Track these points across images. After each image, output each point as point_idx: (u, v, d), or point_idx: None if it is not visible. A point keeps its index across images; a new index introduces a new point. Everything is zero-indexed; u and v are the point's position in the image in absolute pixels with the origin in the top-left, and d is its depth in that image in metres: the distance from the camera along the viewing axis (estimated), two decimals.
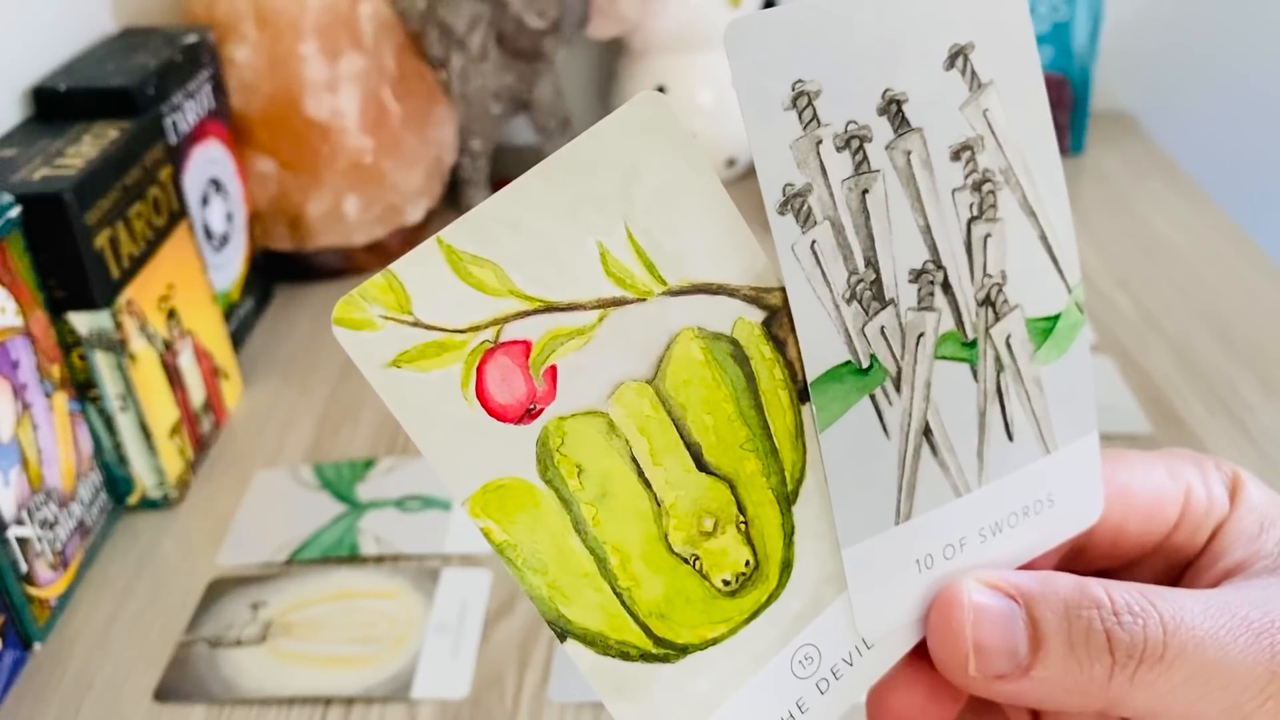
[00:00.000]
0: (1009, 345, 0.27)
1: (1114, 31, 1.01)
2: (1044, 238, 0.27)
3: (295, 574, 0.58)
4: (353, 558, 0.59)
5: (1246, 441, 0.65)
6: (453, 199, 0.94)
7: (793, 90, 0.24)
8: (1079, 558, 0.31)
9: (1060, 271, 0.27)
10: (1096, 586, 0.26)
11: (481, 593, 0.57)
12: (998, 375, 0.27)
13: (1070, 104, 0.97)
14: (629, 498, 0.24)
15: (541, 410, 0.23)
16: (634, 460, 0.24)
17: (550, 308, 0.23)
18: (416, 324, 0.22)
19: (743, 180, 0.91)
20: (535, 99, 0.92)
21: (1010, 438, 0.28)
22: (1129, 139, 1.02)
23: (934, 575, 0.28)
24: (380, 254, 0.85)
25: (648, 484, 0.24)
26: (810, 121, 0.24)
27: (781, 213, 0.24)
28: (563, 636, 0.24)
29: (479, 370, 0.23)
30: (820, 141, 0.24)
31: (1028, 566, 0.29)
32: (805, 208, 0.24)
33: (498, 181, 0.95)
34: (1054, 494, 0.29)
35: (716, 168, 0.92)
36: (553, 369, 0.23)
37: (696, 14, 0.91)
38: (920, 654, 0.28)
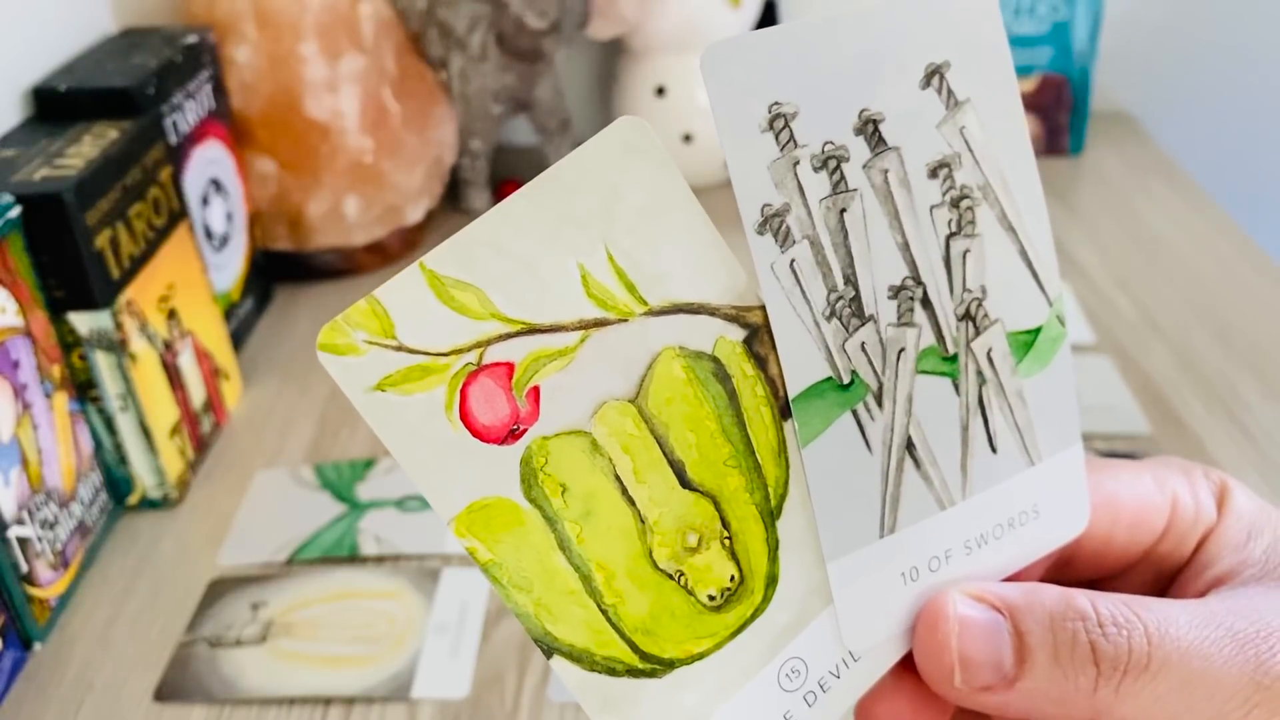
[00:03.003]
0: (990, 359, 0.27)
1: (1114, 31, 1.01)
2: (1023, 252, 0.27)
3: (295, 574, 0.59)
4: (353, 558, 0.60)
5: (1246, 441, 0.65)
6: (453, 199, 0.94)
7: (770, 112, 0.24)
8: (1066, 568, 0.31)
9: (1040, 285, 0.28)
10: (1081, 598, 0.26)
11: (481, 593, 0.57)
12: (979, 389, 0.27)
13: (1070, 104, 0.96)
14: (613, 515, 0.24)
15: (525, 430, 0.23)
16: (617, 478, 0.24)
17: (532, 329, 0.23)
18: (400, 348, 0.22)
19: None
20: (535, 99, 0.93)
21: (994, 450, 0.28)
22: (1129, 139, 1.02)
23: (920, 587, 0.28)
24: (380, 254, 0.86)
25: (631, 501, 0.25)
26: (787, 143, 0.24)
27: (760, 232, 0.24)
28: (549, 653, 0.24)
29: (462, 392, 0.23)
30: (798, 162, 0.24)
31: (1014, 578, 0.29)
32: (784, 227, 0.25)
33: (498, 182, 0.95)
34: (1039, 505, 0.29)
35: (716, 168, 0.92)
36: (536, 390, 0.23)
37: (696, 14, 0.91)
38: (907, 666, 0.28)
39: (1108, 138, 1.02)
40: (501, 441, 0.23)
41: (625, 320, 0.24)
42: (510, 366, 0.23)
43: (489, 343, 0.23)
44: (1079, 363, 0.71)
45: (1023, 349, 0.28)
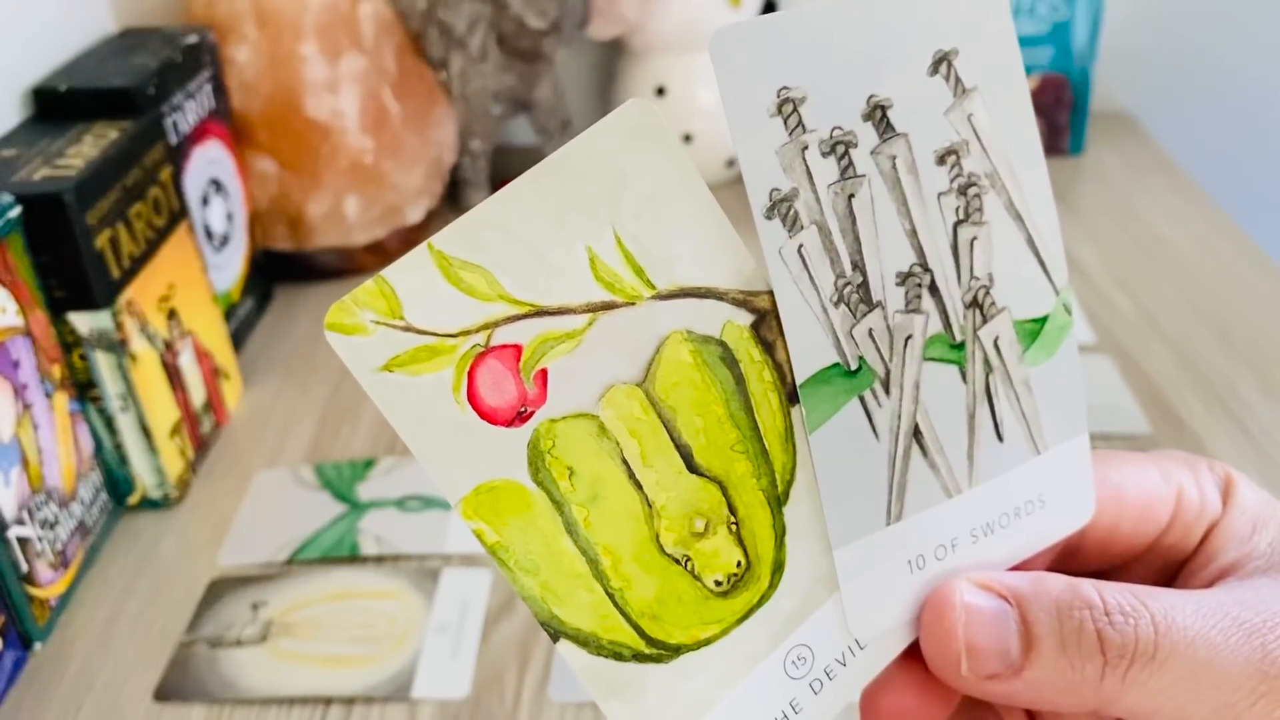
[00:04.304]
0: (997, 347, 0.27)
1: (1114, 31, 1.01)
2: (1030, 240, 0.27)
3: (295, 574, 0.59)
4: (353, 558, 0.60)
5: (1246, 441, 0.65)
6: (453, 199, 0.94)
7: (778, 97, 0.24)
8: (1071, 559, 0.31)
9: (1047, 273, 0.28)
10: (1088, 587, 0.26)
11: (481, 593, 0.57)
12: (986, 377, 0.27)
13: (1070, 104, 0.96)
14: (620, 499, 0.24)
15: (532, 413, 0.23)
16: (625, 462, 0.24)
17: (540, 312, 0.23)
18: (408, 329, 0.22)
19: (741, 181, 0.91)
20: (535, 100, 0.93)
21: (1000, 439, 0.28)
22: (1129, 139, 1.02)
23: (926, 576, 0.28)
24: (380, 254, 0.85)
25: (639, 485, 0.24)
26: (796, 128, 0.24)
27: (768, 217, 0.24)
28: (556, 637, 0.24)
29: (470, 374, 0.23)
30: (806, 147, 0.24)
31: (1020, 567, 0.29)
32: (792, 212, 0.25)
33: (498, 182, 0.95)
34: (1045, 495, 0.29)
35: (717, 168, 0.92)
36: (543, 372, 0.23)
37: (696, 14, 0.91)
38: (913, 654, 0.28)
39: (1108, 138, 1.02)
40: (509, 424, 0.23)
41: (633, 304, 0.24)
42: (518, 348, 0.23)
43: (497, 324, 0.23)
44: None
45: (1029, 337, 0.28)
